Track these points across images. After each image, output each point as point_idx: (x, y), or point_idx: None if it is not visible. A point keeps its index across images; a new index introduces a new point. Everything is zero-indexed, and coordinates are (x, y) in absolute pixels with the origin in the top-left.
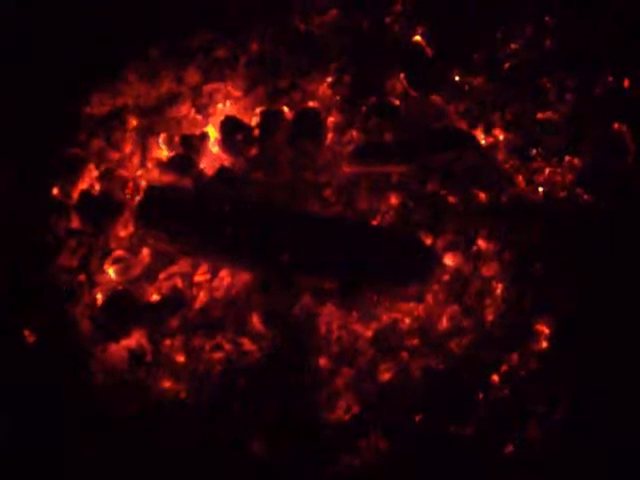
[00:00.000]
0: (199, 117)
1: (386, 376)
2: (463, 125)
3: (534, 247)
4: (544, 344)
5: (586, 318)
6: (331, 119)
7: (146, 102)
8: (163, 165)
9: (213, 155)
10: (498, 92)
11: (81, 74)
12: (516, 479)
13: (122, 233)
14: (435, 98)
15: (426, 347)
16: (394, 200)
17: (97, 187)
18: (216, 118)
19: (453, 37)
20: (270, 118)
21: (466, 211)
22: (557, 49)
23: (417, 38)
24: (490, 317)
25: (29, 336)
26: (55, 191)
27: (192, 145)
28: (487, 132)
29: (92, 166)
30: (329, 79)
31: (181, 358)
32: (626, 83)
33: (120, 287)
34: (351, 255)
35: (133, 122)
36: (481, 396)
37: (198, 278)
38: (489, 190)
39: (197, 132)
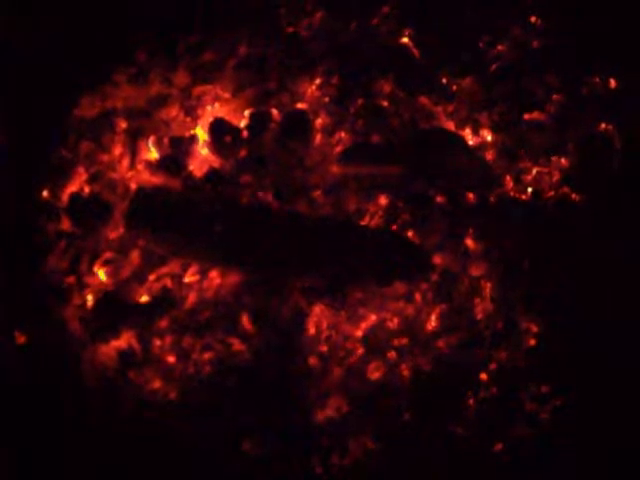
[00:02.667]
0: (188, 119)
1: (375, 375)
2: (451, 126)
3: (522, 246)
4: (532, 342)
5: (574, 316)
6: (319, 121)
7: (135, 104)
8: (152, 167)
9: (202, 157)
10: (485, 93)
11: (70, 77)
12: (505, 477)
13: (112, 235)
14: (423, 99)
15: (415, 346)
16: (383, 200)
17: (87, 189)
18: (205, 120)
19: (440, 38)
20: (259, 120)
21: (454, 211)
22: (543, 50)
23: (404, 40)
24: (478, 316)
25: (19, 337)
26: (45, 193)
27: (181, 147)
28: (475, 133)
29: (81, 168)
30: (317, 81)
31: (171, 358)
32: (612, 83)
33: (110, 288)
34: (340, 255)
35: (122, 124)
36: (470, 394)
37: (188, 279)
38: (477, 190)
39: (186, 134)
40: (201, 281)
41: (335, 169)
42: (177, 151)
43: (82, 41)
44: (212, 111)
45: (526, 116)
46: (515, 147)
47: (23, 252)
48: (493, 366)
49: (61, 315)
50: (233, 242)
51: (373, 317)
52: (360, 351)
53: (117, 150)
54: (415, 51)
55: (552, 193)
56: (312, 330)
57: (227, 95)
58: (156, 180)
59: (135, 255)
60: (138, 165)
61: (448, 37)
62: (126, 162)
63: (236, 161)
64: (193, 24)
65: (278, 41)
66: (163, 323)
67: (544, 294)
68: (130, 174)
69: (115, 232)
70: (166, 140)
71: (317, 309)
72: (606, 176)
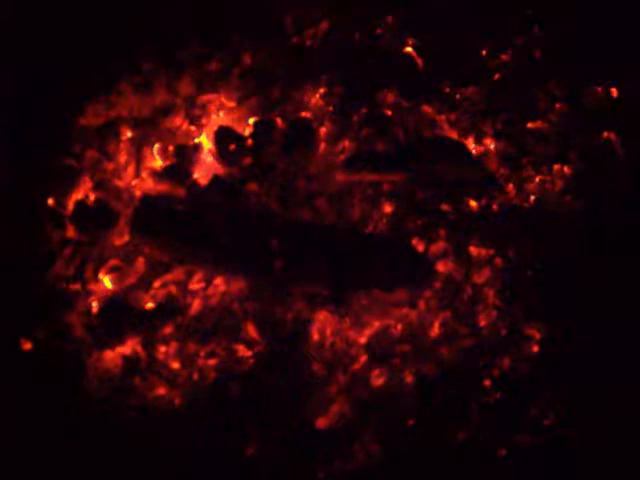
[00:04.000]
0: (193, 128)
1: (379, 382)
2: (454, 134)
3: (525, 254)
4: (535, 349)
5: (577, 322)
6: (323, 129)
7: (140, 113)
8: (157, 175)
9: (207, 165)
10: (488, 102)
11: (76, 86)
12: None
13: (117, 242)
14: (426, 108)
15: (418, 353)
16: (386, 208)
17: (92, 197)
18: (210, 128)
19: (444, 48)
20: (263, 128)
21: (458, 219)
22: (546, 59)
23: (408, 49)
24: (482, 323)
25: (25, 343)
26: (50, 201)
27: (186, 155)
28: (478, 141)
29: (87, 177)
30: (321, 90)
31: (176, 365)
32: (614, 92)
33: (115, 295)
34: (344, 263)
35: (127, 133)
36: (473, 401)
37: (192, 286)
38: (480, 198)
39: (191, 142)
40: (206, 288)
41: (339, 177)
42: (182, 159)
43: (87, 50)
44: (217, 120)
45: (529, 125)
46: (518, 155)
47: (29, 259)
48: (496, 373)
49: (66, 322)
50: (237, 250)
51: (377, 324)
52: (363, 358)
53: (122, 158)
54: (419, 60)
55: (555, 201)
56: (316, 337)
57: (232, 104)
58: (161, 188)
59: (140, 262)
60: (143, 173)
61: (451, 46)
62: (131, 170)
63: (241, 169)
64: None
65: (283, 50)
66: (168, 330)
67: (547, 301)
68: (135, 182)
69: (120, 239)
70: (171, 148)
71: (321, 316)
72: (608, 184)
